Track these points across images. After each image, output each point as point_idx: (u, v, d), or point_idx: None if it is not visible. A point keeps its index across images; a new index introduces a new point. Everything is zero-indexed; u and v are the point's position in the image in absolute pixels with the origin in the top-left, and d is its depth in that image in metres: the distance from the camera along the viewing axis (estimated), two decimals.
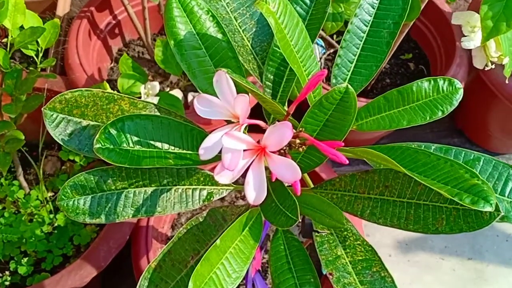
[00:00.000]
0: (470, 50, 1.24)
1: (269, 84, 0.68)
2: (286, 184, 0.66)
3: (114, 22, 1.43)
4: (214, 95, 0.52)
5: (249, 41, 0.70)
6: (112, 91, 0.66)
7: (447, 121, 1.53)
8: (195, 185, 0.64)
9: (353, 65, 0.66)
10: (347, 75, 0.66)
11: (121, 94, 0.66)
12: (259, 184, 0.48)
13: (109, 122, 0.60)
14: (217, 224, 0.66)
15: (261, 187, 0.48)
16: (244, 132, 0.49)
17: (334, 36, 1.34)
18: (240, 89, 0.53)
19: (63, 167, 1.30)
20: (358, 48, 0.66)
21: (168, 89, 1.31)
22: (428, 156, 0.54)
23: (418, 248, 1.49)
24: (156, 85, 1.04)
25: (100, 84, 1.04)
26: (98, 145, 0.58)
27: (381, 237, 1.62)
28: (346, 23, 1.13)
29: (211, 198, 0.65)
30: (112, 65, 1.44)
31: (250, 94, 0.53)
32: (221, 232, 0.66)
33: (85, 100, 0.64)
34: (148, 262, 1.06)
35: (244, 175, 0.50)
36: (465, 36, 0.98)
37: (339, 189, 0.62)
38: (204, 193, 0.65)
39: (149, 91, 1.04)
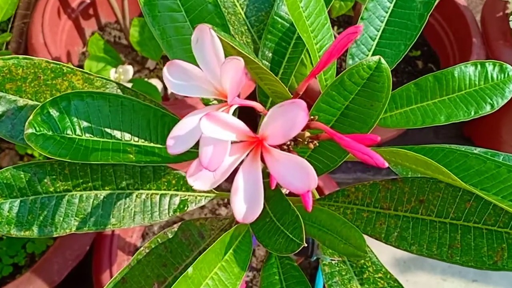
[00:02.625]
0: (486, 49, 1.12)
1: (267, 63, 0.53)
2: (284, 191, 0.50)
3: (88, 1, 1.27)
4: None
5: (242, 8, 0.55)
6: (59, 62, 0.50)
7: (453, 125, 1.40)
8: (165, 189, 0.49)
9: (375, 42, 0.51)
10: (367, 55, 0.51)
11: (72, 67, 0.50)
12: (253, 193, 0.33)
13: (49, 99, 0.44)
14: (192, 242, 0.51)
15: (256, 197, 0.32)
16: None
17: (335, 28, 1.20)
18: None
19: (19, 163, 1.12)
20: (382, 22, 0.51)
21: (146, 79, 1.14)
22: (484, 162, 0.40)
23: (417, 267, 1.36)
24: (129, 69, 0.88)
25: None
26: (30, 130, 0.42)
27: (378, 254, 1.48)
28: (353, 7, 0.98)
29: (185, 208, 0.49)
30: (84, 49, 1.28)
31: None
32: (196, 253, 0.50)
33: (23, 72, 0.48)
34: (111, 276, 0.89)
35: (230, 179, 0.35)
36: None
37: (355, 202, 0.47)
38: (176, 200, 0.49)
39: (121, 76, 0.88)
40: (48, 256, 0.90)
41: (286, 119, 0.30)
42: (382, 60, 0.37)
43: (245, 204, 0.33)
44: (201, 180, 0.33)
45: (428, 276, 1.35)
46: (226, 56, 0.35)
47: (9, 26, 1.19)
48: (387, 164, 0.31)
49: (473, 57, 1.07)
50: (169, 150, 0.34)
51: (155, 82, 1.04)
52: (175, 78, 0.36)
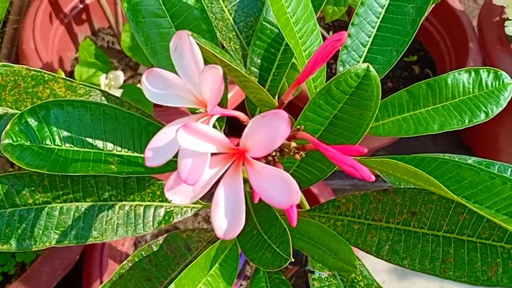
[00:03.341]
0: (483, 54, 1.10)
1: (255, 70, 0.51)
2: None
3: (81, 6, 1.26)
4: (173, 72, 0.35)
5: (230, 14, 0.53)
6: (41, 70, 0.48)
7: (451, 132, 1.38)
8: (149, 201, 0.47)
9: (366, 48, 0.50)
10: (358, 61, 0.50)
11: (53, 74, 0.49)
12: (235, 208, 0.31)
13: (27, 108, 0.42)
14: (178, 254, 0.49)
15: (237, 212, 0.31)
16: (215, 128, 0.32)
17: (331, 33, 1.19)
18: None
19: (10, 170, 1.11)
20: (374, 28, 0.50)
21: (139, 85, 1.13)
22: (477, 174, 0.38)
23: (415, 274, 1.34)
24: (119, 75, 0.87)
25: (53, 71, 0.85)
26: (7, 140, 0.40)
27: (374, 261, 1.46)
28: (349, 13, 0.97)
29: (171, 219, 0.48)
30: (77, 55, 1.26)
31: (228, 74, 0.36)
32: (183, 266, 0.49)
33: (2, 80, 0.47)
34: None
35: (212, 192, 0.33)
36: (510, 20, 0.83)
37: (346, 213, 0.46)
38: (161, 212, 0.47)
39: (111, 82, 0.87)
40: (36, 266, 0.88)
41: (268, 130, 0.29)
42: (371, 68, 0.36)
43: (226, 220, 0.31)
44: (180, 194, 0.31)
45: (426, 283, 1.33)
46: (206, 63, 0.33)
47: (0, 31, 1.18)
48: (373, 178, 0.30)
49: (469, 63, 1.05)
50: (147, 162, 0.32)
51: None
52: (154, 86, 0.34)
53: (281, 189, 0.29)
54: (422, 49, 1.24)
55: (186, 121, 0.33)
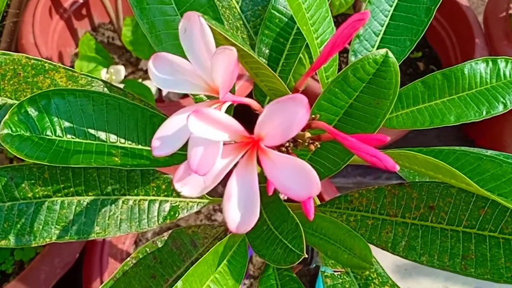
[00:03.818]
0: (489, 49, 1.09)
1: (264, 61, 0.49)
2: (282, 197, 0.47)
3: (81, 0, 1.24)
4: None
5: (237, 2, 0.51)
6: (41, 59, 0.46)
7: (455, 126, 1.36)
8: (154, 195, 0.45)
9: (379, 38, 0.48)
10: (371, 51, 0.48)
11: (54, 64, 0.47)
12: (248, 200, 0.29)
13: (27, 97, 0.40)
14: (183, 251, 0.47)
15: (251, 205, 0.29)
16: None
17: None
18: None
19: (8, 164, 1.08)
20: (387, 16, 0.48)
21: (140, 81, 1.11)
22: (500, 166, 0.36)
23: (419, 274, 1.32)
24: (120, 70, 0.85)
25: None
26: (6, 131, 0.38)
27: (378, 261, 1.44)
28: (354, 7, 0.95)
29: (176, 215, 0.46)
30: (77, 50, 1.24)
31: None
32: (189, 263, 0.47)
33: (1, 69, 0.45)
34: None
35: (223, 183, 0.31)
36: None
37: (359, 208, 0.44)
38: (166, 207, 0.45)
39: (112, 77, 0.85)
40: (35, 264, 0.86)
41: (285, 117, 0.27)
42: (390, 54, 0.34)
43: (239, 213, 0.29)
44: (190, 185, 0.29)
45: (430, 283, 1.31)
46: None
47: None
48: (398, 167, 0.28)
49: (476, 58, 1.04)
50: (154, 152, 0.30)
51: (149, 83, 1.00)
52: (162, 72, 0.32)
53: (299, 179, 0.27)
54: (427, 45, 1.22)
55: (195, 107, 0.31)
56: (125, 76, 1.04)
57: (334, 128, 0.37)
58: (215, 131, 0.28)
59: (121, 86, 0.86)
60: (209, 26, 0.30)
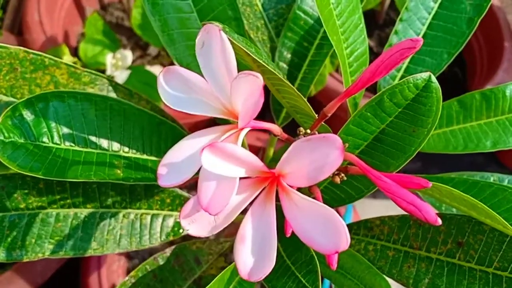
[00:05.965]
0: None
1: (284, 66, 0.45)
2: None
3: None
4: (197, 72, 0.29)
5: (260, 0, 0.47)
6: (41, 53, 0.42)
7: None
8: (157, 209, 0.42)
9: None
10: (405, 63, 0.44)
11: (55, 59, 0.43)
12: (264, 243, 0.25)
13: (22, 99, 0.36)
14: (186, 269, 0.44)
15: (266, 250, 0.25)
16: (243, 146, 0.26)
17: None
18: (241, 66, 0.30)
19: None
20: (424, 25, 0.44)
21: (148, 67, 1.07)
22: None
23: None
24: (127, 55, 0.80)
25: (56, 48, 0.79)
26: None
27: None
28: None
29: (180, 231, 0.42)
30: (84, 30, 1.19)
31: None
32: (191, 282, 0.44)
33: None
34: (100, 281, 0.83)
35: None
36: None
37: (379, 237, 0.40)
38: (170, 222, 0.42)
39: (118, 62, 0.80)
40: None
41: (315, 158, 0.23)
42: (433, 78, 0.30)
43: (252, 258, 0.26)
44: (198, 224, 0.26)
45: None
46: (238, 62, 0.27)
47: (3, 1, 1.11)
48: (440, 221, 0.24)
49: (503, 63, 0.98)
50: (159, 181, 0.27)
51: (157, 70, 0.96)
52: (173, 89, 0.28)
53: (326, 231, 0.23)
54: None
55: (210, 134, 0.27)
56: (133, 61, 1.00)
57: (359, 154, 0.33)
58: (231, 167, 0.24)
59: (128, 72, 0.82)
60: (230, 41, 0.26)
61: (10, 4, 1.16)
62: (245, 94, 0.24)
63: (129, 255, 0.83)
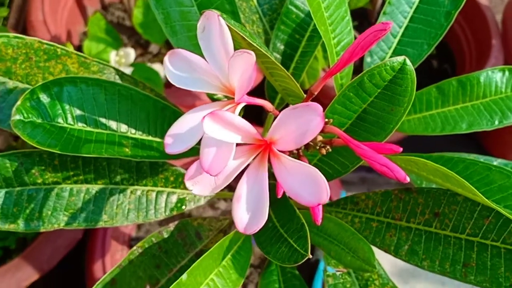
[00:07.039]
0: (506, 51, 1.07)
1: (278, 56, 0.49)
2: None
3: None
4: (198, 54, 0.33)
5: None
6: (53, 43, 0.46)
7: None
8: (162, 186, 0.45)
9: (397, 40, 0.48)
10: (387, 53, 0.48)
11: (67, 49, 0.47)
12: (258, 202, 0.29)
13: (39, 84, 0.40)
14: (188, 242, 0.48)
15: (260, 207, 0.29)
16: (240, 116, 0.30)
17: None
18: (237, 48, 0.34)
19: (13, 144, 1.09)
20: (405, 18, 0.48)
21: (149, 64, 1.10)
22: (508, 178, 0.36)
23: (416, 279, 1.32)
24: (130, 53, 0.84)
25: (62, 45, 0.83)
26: (18, 116, 0.38)
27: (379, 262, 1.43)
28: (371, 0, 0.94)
29: (183, 207, 0.46)
30: (86, 29, 1.23)
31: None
32: (193, 255, 0.48)
33: (13, 52, 0.45)
34: (104, 269, 0.86)
35: (234, 182, 0.31)
36: None
37: (365, 210, 0.44)
38: (174, 198, 0.46)
39: (122, 60, 0.84)
40: (38, 243, 0.87)
41: (300, 123, 0.27)
42: (407, 61, 0.34)
43: (247, 214, 0.29)
44: (201, 184, 0.30)
45: (427, 283, 1.31)
46: (235, 47, 0.31)
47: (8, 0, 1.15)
48: (408, 179, 0.28)
49: (491, 60, 1.02)
50: (167, 149, 0.31)
51: (157, 67, 1.00)
52: (177, 69, 0.32)
53: (310, 187, 0.27)
54: (442, 42, 1.21)
55: (210, 107, 0.31)
56: (135, 59, 1.04)
57: (345, 132, 0.37)
58: (229, 133, 0.28)
59: (131, 69, 0.86)
60: (228, 26, 0.30)
61: (15, 3, 1.20)
62: (240, 69, 0.28)
63: (131, 246, 0.86)
